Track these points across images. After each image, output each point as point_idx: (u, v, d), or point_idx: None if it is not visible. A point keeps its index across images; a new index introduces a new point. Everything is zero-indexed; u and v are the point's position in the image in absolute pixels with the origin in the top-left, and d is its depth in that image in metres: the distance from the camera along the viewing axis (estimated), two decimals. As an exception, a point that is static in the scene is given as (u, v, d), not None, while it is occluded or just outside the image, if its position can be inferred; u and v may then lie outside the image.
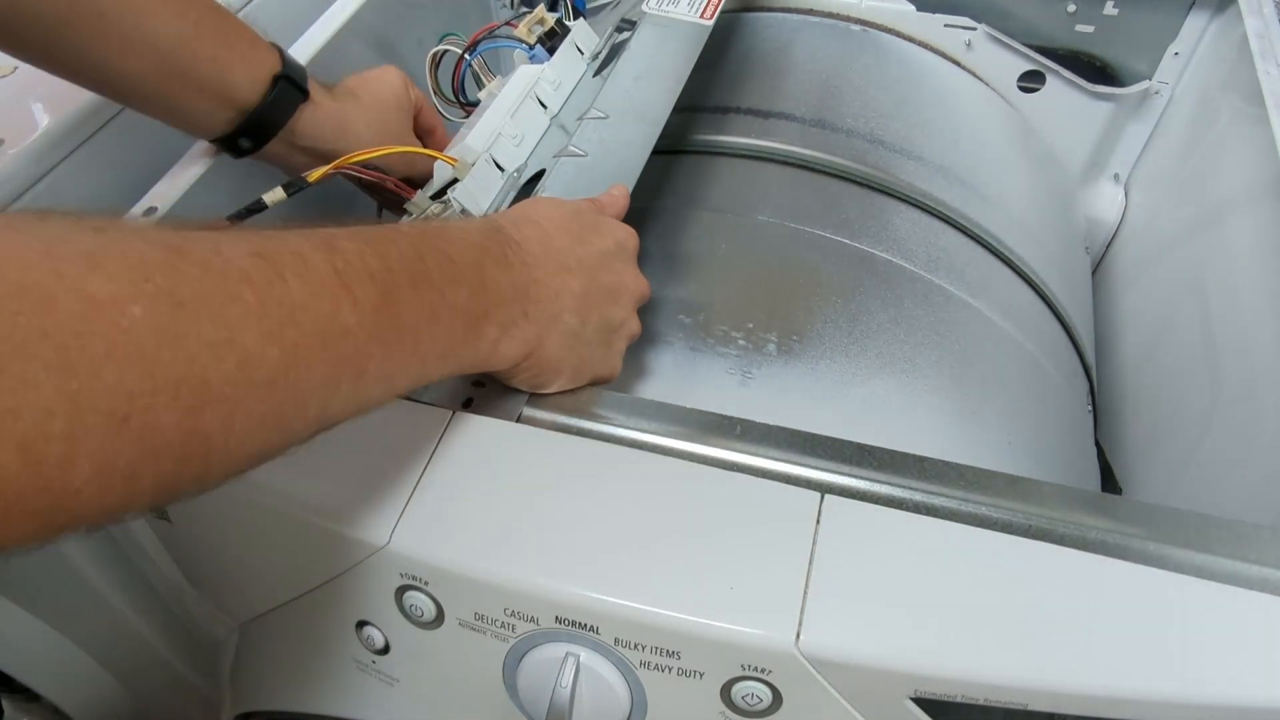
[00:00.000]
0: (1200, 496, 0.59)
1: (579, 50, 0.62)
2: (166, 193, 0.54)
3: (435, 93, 0.64)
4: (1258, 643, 0.33)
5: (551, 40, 0.62)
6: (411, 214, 0.53)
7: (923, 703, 0.33)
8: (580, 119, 0.54)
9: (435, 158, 0.53)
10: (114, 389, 0.21)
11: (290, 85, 0.53)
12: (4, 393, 0.19)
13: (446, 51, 0.63)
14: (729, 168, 0.64)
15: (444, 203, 0.52)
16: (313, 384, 0.27)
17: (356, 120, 0.57)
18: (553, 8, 0.65)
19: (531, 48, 0.62)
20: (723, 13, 0.64)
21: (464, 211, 0.51)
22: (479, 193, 0.51)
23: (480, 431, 0.39)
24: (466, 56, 0.62)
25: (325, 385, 0.28)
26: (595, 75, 0.61)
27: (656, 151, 0.52)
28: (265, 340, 0.25)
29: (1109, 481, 0.72)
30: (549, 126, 0.58)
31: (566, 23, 0.63)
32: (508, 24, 0.64)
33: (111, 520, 0.23)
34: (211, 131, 0.53)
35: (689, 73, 0.58)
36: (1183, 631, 0.33)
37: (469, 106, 0.64)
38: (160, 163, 0.56)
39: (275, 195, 0.50)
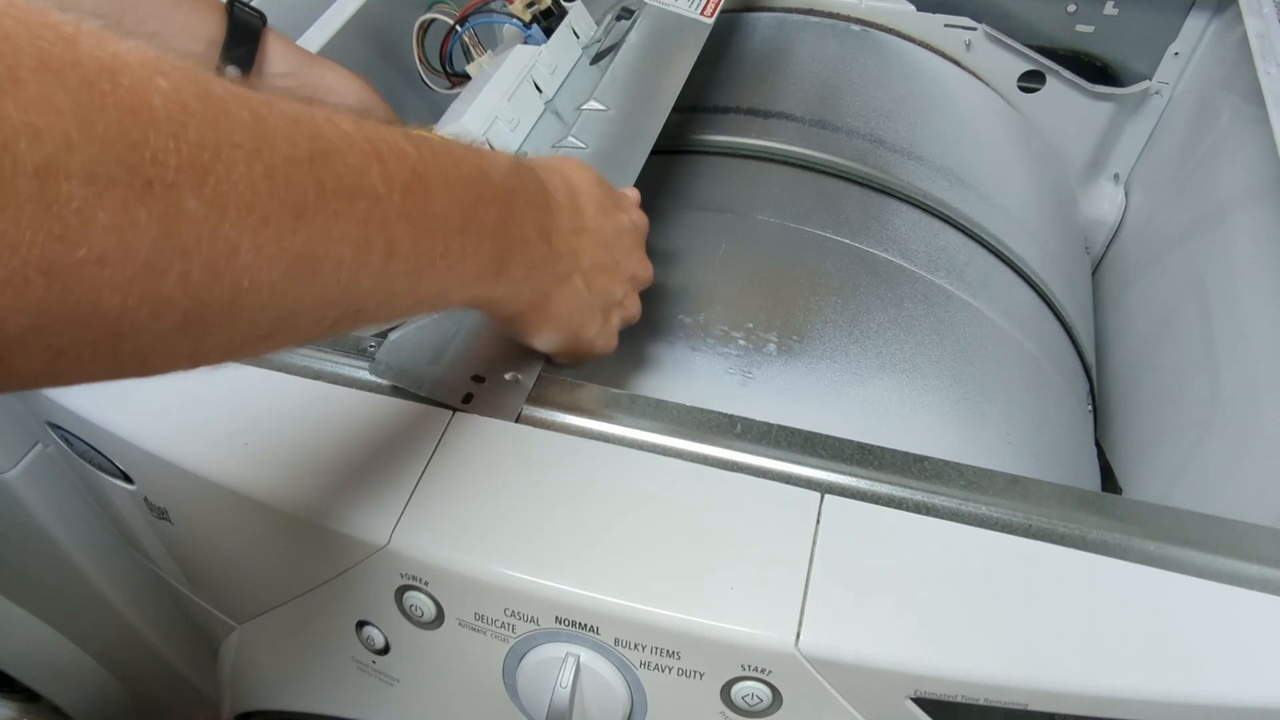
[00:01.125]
0: (1200, 496, 0.59)
1: (575, 34, 0.61)
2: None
3: (421, 61, 0.63)
4: (1258, 643, 0.33)
5: (548, 20, 0.61)
6: None
7: (923, 703, 0.33)
8: (580, 109, 0.54)
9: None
10: (137, 146, 0.19)
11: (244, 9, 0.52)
12: (23, 106, 0.17)
13: (435, 20, 0.62)
14: (729, 168, 0.64)
15: None
16: (340, 237, 0.25)
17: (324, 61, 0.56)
18: None
19: (528, 26, 0.61)
20: (723, 12, 0.64)
21: None
22: None
23: (480, 431, 0.39)
24: (458, 28, 0.61)
25: (354, 247, 0.26)
26: (592, 63, 0.61)
27: (656, 151, 0.52)
28: (291, 165, 0.23)
29: (1109, 481, 0.72)
30: (543, 112, 0.57)
31: (564, 3, 0.62)
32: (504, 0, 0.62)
33: (139, 345, 0.21)
34: None
35: (689, 71, 0.57)
36: (1183, 631, 0.33)
37: (456, 78, 0.64)
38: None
39: None
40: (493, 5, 0.62)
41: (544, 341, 0.41)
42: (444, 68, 0.64)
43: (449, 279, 0.31)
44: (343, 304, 0.27)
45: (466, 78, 0.62)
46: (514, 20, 0.61)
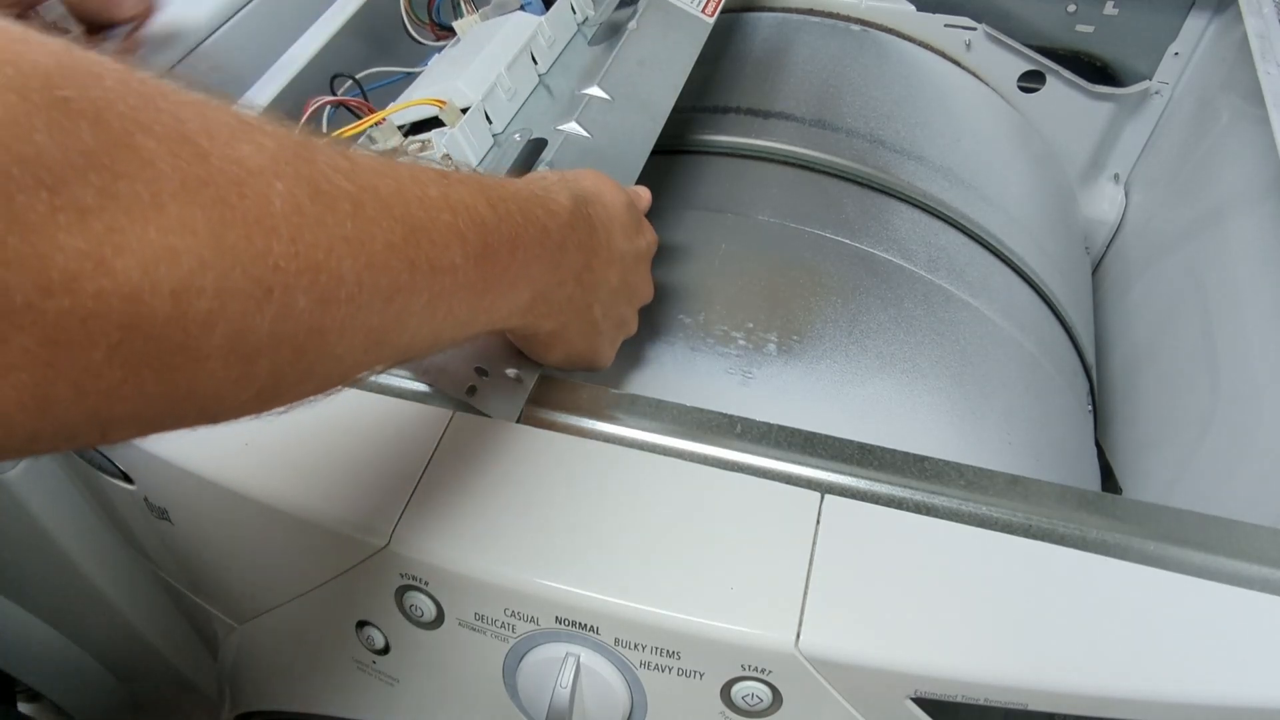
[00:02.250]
0: (1200, 496, 0.59)
1: (572, 10, 0.61)
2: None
3: (407, 11, 0.62)
4: (1258, 643, 0.33)
5: None
6: (376, 141, 0.51)
7: (923, 703, 0.33)
8: (584, 94, 0.53)
9: (426, 103, 0.51)
10: (262, 256, 0.21)
11: None
12: (165, 230, 0.18)
13: None
14: (729, 167, 0.64)
15: (422, 141, 0.50)
16: (416, 309, 0.27)
17: None
18: None
19: None
20: (723, 12, 0.63)
21: (446, 157, 0.49)
22: (468, 146, 0.50)
23: (480, 431, 0.39)
24: None
25: (423, 314, 0.28)
26: (590, 43, 0.60)
27: (656, 151, 0.52)
28: (390, 251, 0.25)
29: (1109, 481, 0.72)
30: (537, 84, 0.56)
31: None
32: None
33: (214, 405, 0.22)
34: None
35: (690, 68, 0.57)
36: (1183, 631, 0.33)
37: (442, 31, 0.63)
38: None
39: None
40: None
41: (551, 359, 0.42)
42: (430, 19, 0.63)
43: (481, 322, 0.33)
44: (397, 357, 0.29)
45: (451, 32, 0.61)
46: None
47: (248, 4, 0.70)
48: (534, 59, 0.56)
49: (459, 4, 0.61)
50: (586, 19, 0.62)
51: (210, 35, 0.67)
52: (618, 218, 0.42)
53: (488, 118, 0.52)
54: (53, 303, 0.17)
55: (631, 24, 0.58)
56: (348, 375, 0.27)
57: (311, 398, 0.26)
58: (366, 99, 0.55)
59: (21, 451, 0.19)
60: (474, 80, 0.52)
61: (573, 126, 0.50)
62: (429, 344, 0.30)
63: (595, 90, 0.53)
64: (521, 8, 0.60)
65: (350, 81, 0.56)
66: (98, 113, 0.18)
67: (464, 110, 0.51)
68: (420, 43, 0.64)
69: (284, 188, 0.21)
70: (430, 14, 0.63)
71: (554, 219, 0.35)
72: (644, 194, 0.47)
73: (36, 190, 0.17)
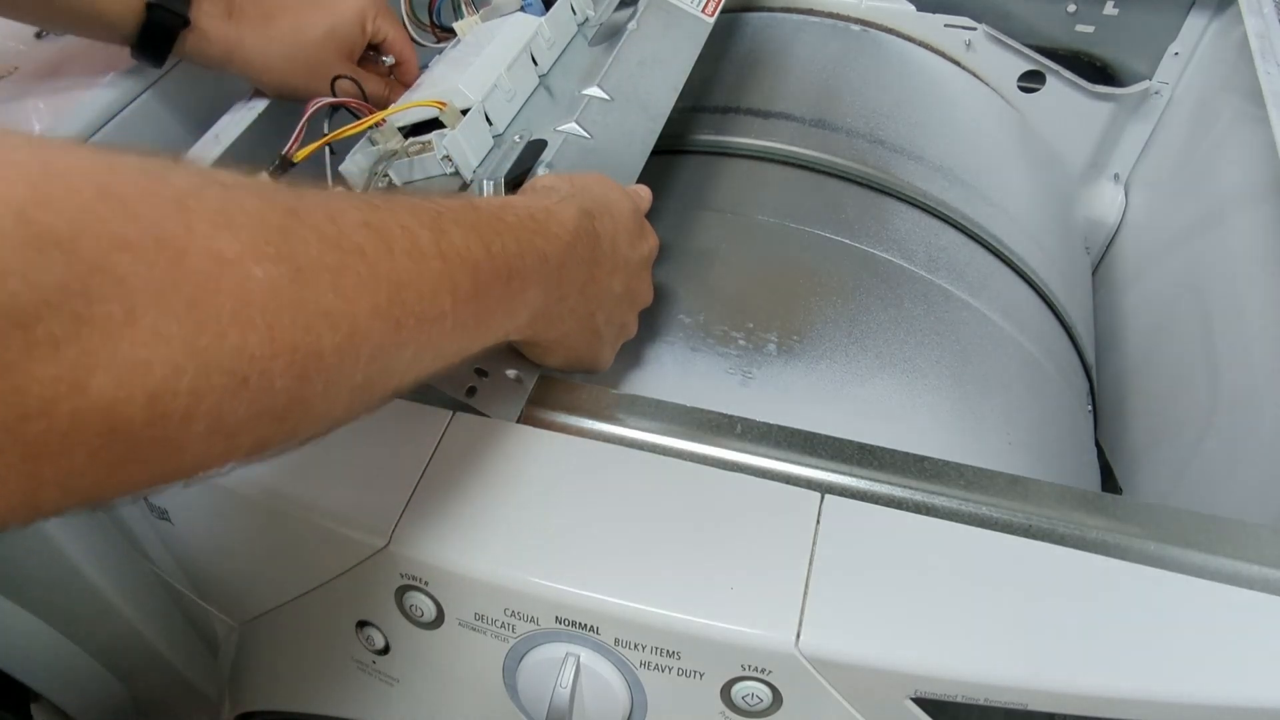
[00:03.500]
0: (1200, 496, 0.59)
1: (572, 10, 0.61)
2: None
3: (408, 12, 0.62)
4: (1258, 642, 0.33)
5: None
6: (377, 143, 0.51)
7: (923, 703, 0.33)
8: (584, 94, 0.53)
9: (426, 105, 0.51)
10: (237, 350, 0.21)
11: (164, 12, 0.52)
12: (138, 344, 0.19)
13: None
14: (729, 167, 0.64)
15: (423, 143, 0.50)
16: (404, 360, 0.28)
17: (252, 47, 0.56)
18: None
19: None
20: (723, 11, 0.63)
21: (446, 159, 0.50)
22: (468, 148, 0.50)
23: (480, 431, 0.39)
24: None
25: (411, 362, 0.28)
26: (590, 44, 0.60)
27: (657, 151, 0.52)
28: (373, 314, 0.26)
29: (1109, 481, 0.72)
30: (537, 86, 0.56)
31: None
32: None
33: (202, 474, 0.23)
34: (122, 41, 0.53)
35: (690, 69, 0.57)
36: (1183, 631, 0.33)
37: (443, 32, 0.63)
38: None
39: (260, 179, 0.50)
40: None
41: (551, 363, 0.42)
42: (431, 20, 0.63)
43: (481, 346, 0.33)
44: (386, 399, 0.29)
45: (451, 33, 0.61)
46: None
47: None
48: (534, 60, 0.56)
49: (459, 5, 0.61)
50: (586, 19, 0.62)
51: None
52: (624, 225, 0.42)
53: (488, 119, 0.52)
54: (30, 426, 0.18)
55: (631, 24, 0.57)
56: (336, 425, 0.27)
57: (310, 441, 0.27)
58: (367, 100, 0.55)
59: (15, 529, 0.20)
60: (474, 82, 0.52)
61: (572, 127, 0.50)
62: (419, 381, 0.31)
63: (595, 91, 0.53)
64: (522, 9, 0.60)
65: (352, 84, 0.56)
66: (73, 238, 0.18)
67: (464, 112, 0.51)
68: (421, 44, 0.64)
69: (262, 273, 0.22)
70: (431, 15, 0.63)
71: (554, 243, 0.35)
72: (645, 193, 0.47)
73: (10, 332, 0.17)
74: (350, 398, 0.26)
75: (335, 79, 0.55)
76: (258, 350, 0.22)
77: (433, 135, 0.50)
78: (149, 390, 0.19)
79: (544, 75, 0.57)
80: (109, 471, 0.20)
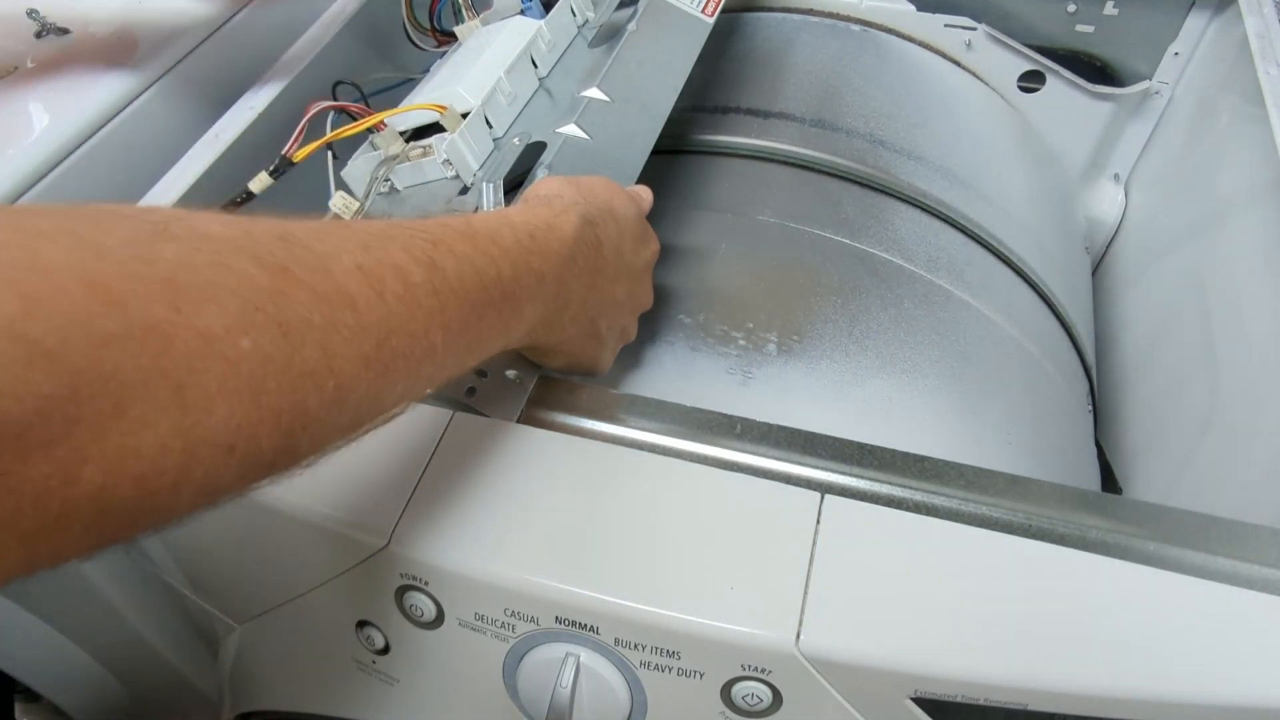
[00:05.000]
0: (1200, 496, 0.59)
1: (572, 12, 0.61)
2: (166, 193, 0.54)
3: (409, 17, 0.63)
4: (1258, 642, 0.33)
5: None
6: (378, 147, 0.51)
7: (923, 703, 0.33)
8: (583, 95, 0.53)
9: (426, 108, 0.51)
10: (224, 423, 0.22)
11: None
12: (125, 434, 0.20)
13: None
14: (729, 168, 0.64)
15: (423, 147, 0.50)
16: (392, 395, 0.28)
17: None
18: None
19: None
20: (723, 12, 0.63)
21: (447, 163, 0.50)
22: (468, 151, 0.50)
23: (480, 431, 0.39)
24: None
25: (401, 394, 0.29)
26: (590, 46, 0.60)
27: (657, 151, 0.52)
28: (361, 365, 0.26)
29: (1109, 481, 0.72)
30: (537, 88, 0.56)
31: None
32: None
33: (193, 519, 0.24)
34: None
35: (690, 69, 0.57)
36: (1183, 631, 0.33)
37: (443, 36, 0.63)
38: (160, 163, 0.56)
39: (261, 181, 0.50)
40: None
41: (551, 365, 0.42)
42: (432, 24, 0.63)
43: (477, 363, 0.34)
44: (376, 427, 0.30)
45: (452, 37, 0.61)
46: None
47: (248, 3, 0.70)
48: (534, 63, 0.56)
49: (460, 9, 0.61)
50: (586, 21, 0.62)
51: (211, 35, 0.67)
52: (628, 231, 0.42)
53: (488, 122, 0.52)
54: (24, 518, 0.18)
55: (631, 25, 0.57)
56: (332, 452, 0.28)
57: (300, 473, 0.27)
58: (368, 105, 0.55)
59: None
60: (474, 85, 0.52)
61: (572, 129, 0.50)
62: (412, 402, 0.31)
63: (594, 92, 0.53)
64: (522, 12, 0.60)
65: (352, 88, 0.56)
66: (62, 346, 0.19)
67: (464, 115, 0.52)
68: (422, 49, 0.64)
69: (250, 343, 0.22)
70: (432, 20, 0.63)
71: (552, 259, 0.35)
72: (646, 194, 0.47)
73: (2, 444, 0.18)
74: (338, 435, 0.27)
75: (336, 83, 0.55)
76: (244, 419, 0.22)
77: (433, 139, 0.51)
78: (137, 474, 0.20)
79: (544, 78, 0.57)
80: (101, 538, 0.21)
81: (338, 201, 0.52)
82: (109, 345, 0.19)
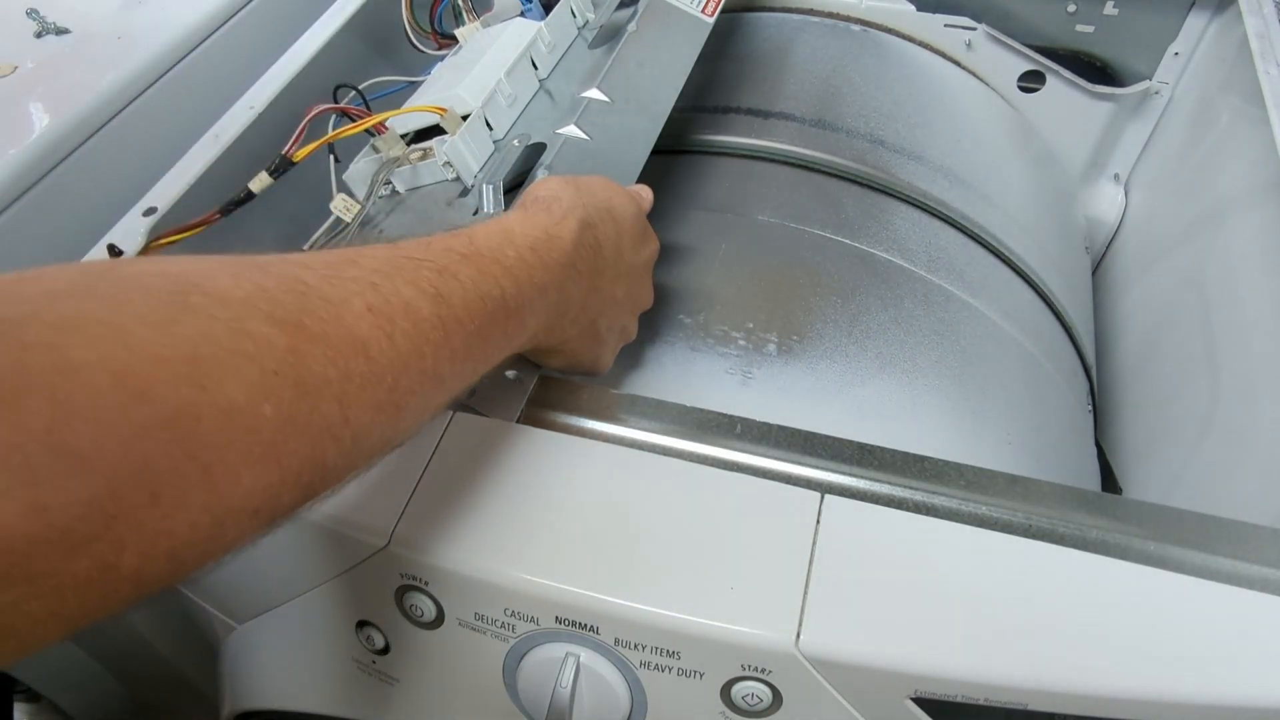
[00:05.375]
0: (1200, 496, 0.59)
1: (572, 14, 0.61)
2: (166, 193, 0.54)
3: (410, 20, 0.63)
4: (1258, 643, 0.33)
5: None
6: (380, 150, 0.51)
7: (923, 703, 0.33)
8: (584, 96, 0.53)
9: (426, 110, 0.52)
10: (249, 491, 0.22)
11: None
12: (160, 519, 0.20)
13: None
14: (729, 168, 0.64)
15: (424, 149, 0.51)
16: (404, 432, 0.29)
17: None
18: None
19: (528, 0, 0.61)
20: (723, 12, 0.63)
21: (447, 165, 0.49)
22: (469, 153, 0.50)
23: (480, 431, 0.39)
24: None
25: (410, 428, 0.30)
26: (591, 47, 0.60)
27: (657, 151, 0.52)
28: (375, 411, 0.27)
29: (1109, 481, 0.71)
30: (538, 90, 0.56)
31: None
32: None
33: None
34: None
35: (690, 69, 0.57)
36: (1183, 631, 0.33)
37: (444, 39, 0.63)
38: (160, 163, 0.56)
39: (261, 181, 0.51)
40: None
41: (552, 365, 0.42)
42: (433, 26, 0.63)
43: (480, 375, 0.34)
44: (388, 452, 0.31)
45: (453, 40, 0.61)
46: None
47: (248, 4, 0.70)
48: (534, 64, 0.56)
49: (460, 11, 0.61)
50: (587, 22, 0.62)
51: (211, 35, 0.67)
52: (627, 232, 0.42)
53: (488, 124, 0.52)
54: (68, 605, 0.20)
55: (631, 26, 0.57)
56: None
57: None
58: (369, 108, 0.55)
59: None
60: (474, 87, 0.52)
61: (572, 130, 0.50)
62: (421, 427, 0.32)
63: (594, 93, 0.52)
64: (522, 14, 0.60)
65: (353, 92, 0.56)
66: (97, 448, 0.19)
67: (465, 117, 0.52)
68: (423, 51, 0.64)
69: (271, 409, 0.23)
70: (433, 22, 0.63)
71: (552, 270, 0.36)
72: (646, 193, 0.47)
73: (49, 551, 0.19)
74: (353, 475, 0.28)
75: (337, 87, 0.55)
76: (267, 483, 0.23)
77: (434, 141, 0.51)
78: (170, 550, 0.21)
79: (544, 79, 0.57)
80: (134, 603, 0.22)
81: (339, 203, 0.52)
82: (141, 437, 0.20)
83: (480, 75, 0.53)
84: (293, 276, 0.26)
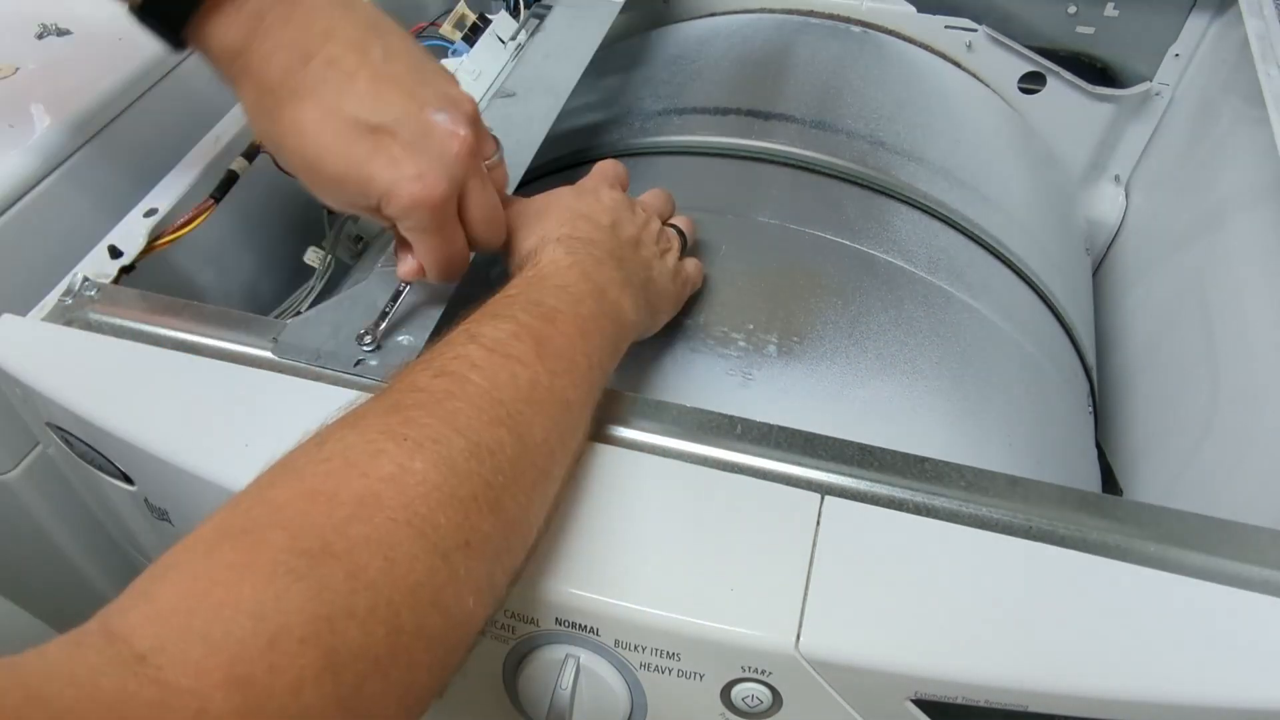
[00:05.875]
0: (1201, 497, 0.59)
1: (500, 40, 0.65)
2: (167, 194, 0.54)
3: None
4: (1258, 644, 0.33)
5: (475, 35, 0.65)
6: None
7: (923, 704, 0.33)
8: (489, 98, 0.58)
9: None
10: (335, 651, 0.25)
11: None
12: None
13: None
14: (729, 169, 0.64)
15: None
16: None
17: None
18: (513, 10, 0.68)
19: (453, 44, 0.65)
20: (724, 14, 0.64)
21: None
22: None
23: (480, 432, 0.39)
24: None
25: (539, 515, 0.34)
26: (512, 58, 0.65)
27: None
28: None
29: (1110, 482, 0.71)
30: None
31: (489, 16, 0.67)
32: (433, 24, 0.66)
33: None
34: None
35: (597, 46, 0.62)
36: (1184, 633, 0.33)
37: None
38: (160, 163, 0.56)
39: (239, 164, 0.56)
40: (426, 32, 0.66)
41: (663, 322, 0.48)
42: None
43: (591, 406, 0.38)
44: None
45: None
46: (444, 42, 0.65)
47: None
48: None
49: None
50: (514, 37, 0.66)
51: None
52: (606, 218, 0.44)
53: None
54: None
55: (544, 25, 0.64)
56: None
57: None
58: None
59: None
60: None
61: None
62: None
63: (501, 91, 0.59)
64: (452, 53, 0.64)
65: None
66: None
67: None
68: None
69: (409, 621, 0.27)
70: None
71: (589, 294, 0.39)
72: (608, 167, 0.49)
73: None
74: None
75: None
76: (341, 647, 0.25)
77: None
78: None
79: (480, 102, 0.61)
80: None
81: (311, 255, 0.59)
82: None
83: None
84: (404, 444, 0.30)
